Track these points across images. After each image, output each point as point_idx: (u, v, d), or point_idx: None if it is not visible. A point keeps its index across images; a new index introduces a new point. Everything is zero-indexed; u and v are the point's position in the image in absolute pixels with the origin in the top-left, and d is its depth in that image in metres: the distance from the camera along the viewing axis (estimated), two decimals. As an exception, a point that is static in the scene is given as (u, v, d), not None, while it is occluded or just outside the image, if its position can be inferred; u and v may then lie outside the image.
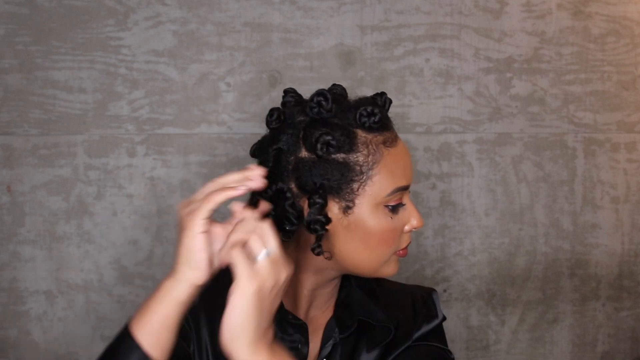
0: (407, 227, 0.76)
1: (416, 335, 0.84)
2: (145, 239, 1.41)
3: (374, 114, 0.72)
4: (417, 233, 1.49)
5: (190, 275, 0.61)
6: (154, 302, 0.62)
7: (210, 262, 0.63)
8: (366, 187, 0.72)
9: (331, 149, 0.70)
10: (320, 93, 0.73)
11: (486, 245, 1.53)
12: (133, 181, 1.40)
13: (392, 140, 0.74)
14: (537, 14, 1.50)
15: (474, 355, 1.55)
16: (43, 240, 1.39)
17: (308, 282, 0.79)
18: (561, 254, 1.56)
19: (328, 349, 0.81)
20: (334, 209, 0.73)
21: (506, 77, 1.50)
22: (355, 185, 0.72)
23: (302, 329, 0.80)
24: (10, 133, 1.37)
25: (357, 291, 0.85)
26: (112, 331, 1.41)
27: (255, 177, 0.64)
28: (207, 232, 0.61)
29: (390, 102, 0.79)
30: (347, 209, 0.72)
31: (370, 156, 0.72)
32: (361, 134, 0.72)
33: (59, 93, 1.37)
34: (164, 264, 1.42)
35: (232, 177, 0.64)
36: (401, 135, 1.47)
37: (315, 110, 0.72)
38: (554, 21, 1.51)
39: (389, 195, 0.72)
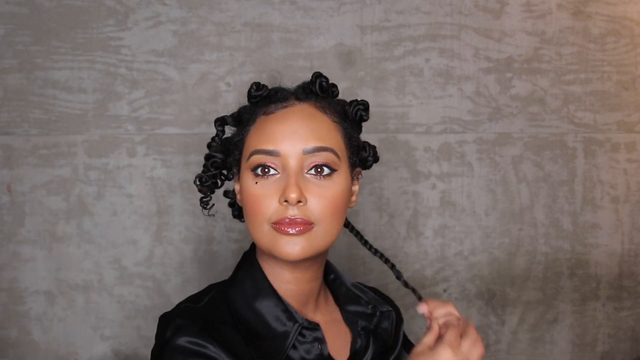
0: (280, 198, 0.72)
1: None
2: (145, 239, 1.41)
3: (252, 89, 0.77)
4: (417, 233, 1.49)
5: None
6: None
7: None
8: (243, 154, 0.76)
9: (228, 120, 0.79)
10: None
11: (486, 245, 1.53)
12: (133, 181, 1.40)
13: (274, 109, 0.75)
14: (537, 14, 1.50)
15: (474, 355, 1.55)
16: (43, 240, 1.39)
17: (281, 275, 0.78)
18: (561, 254, 1.56)
19: (357, 342, 0.82)
20: (235, 177, 0.79)
21: (506, 77, 1.50)
22: (236, 153, 0.77)
23: (316, 329, 0.80)
24: (10, 133, 1.37)
25: (341, 285, 0.86)
26: (112, 331, 1.41)
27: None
28: None
29: (322, 81, 0.77)
30: (234, 176, 0.79)
31: (249, 126, 0.76)
32: (257, 112, 0.77)
33: (59, 93, 1.37)
34: (164, 264, 1.42)
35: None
36: (401, 135, 1.49)
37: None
38: (554, 21, 1.51)
39: (248, 158, 0.73)
